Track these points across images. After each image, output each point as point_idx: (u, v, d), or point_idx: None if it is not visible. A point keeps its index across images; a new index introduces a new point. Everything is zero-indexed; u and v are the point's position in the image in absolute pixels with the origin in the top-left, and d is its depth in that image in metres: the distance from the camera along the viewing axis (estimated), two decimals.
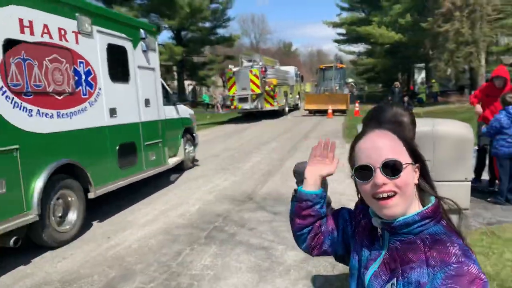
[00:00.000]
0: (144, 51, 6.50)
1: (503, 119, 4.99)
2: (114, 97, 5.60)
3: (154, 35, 6.99)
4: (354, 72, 53.86)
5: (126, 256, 4.27)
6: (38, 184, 4.19)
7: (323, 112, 21.29)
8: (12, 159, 3.96)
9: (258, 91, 19.34)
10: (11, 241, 3.93)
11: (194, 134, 9.05)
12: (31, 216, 4.10)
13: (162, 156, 7.05)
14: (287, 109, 23.41)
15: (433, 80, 27.20)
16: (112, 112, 5.54)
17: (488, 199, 5.32)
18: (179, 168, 8.40)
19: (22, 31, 4.12)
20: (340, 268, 3.73)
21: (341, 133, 13.63)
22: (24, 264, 4.17)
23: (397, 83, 24.63)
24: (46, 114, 4.40)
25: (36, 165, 4.23)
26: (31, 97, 4.20)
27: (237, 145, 12.28)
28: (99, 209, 5.89)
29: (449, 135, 2.23)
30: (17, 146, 4.00)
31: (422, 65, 32.17)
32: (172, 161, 7.63)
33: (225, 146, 12.19)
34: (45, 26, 4.42)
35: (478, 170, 5.94)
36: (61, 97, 4.62)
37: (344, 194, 6.08)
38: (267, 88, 19.58)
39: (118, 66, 5.83)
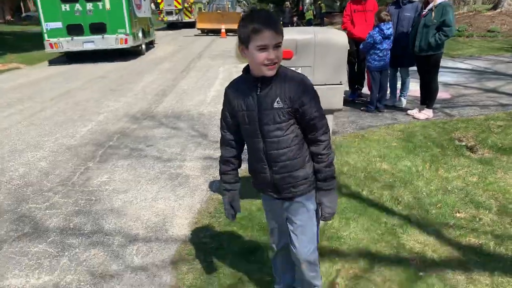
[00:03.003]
0: None
1: (376, 36, 5.55)
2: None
3: None
4: None
5: (13, 179, 4.04)
6: None
7: (216, 32, 20.90)
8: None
9: (179, 6, 25.86)
10: None
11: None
12: None
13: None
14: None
15: (320, 2, 28.11)
16: None
17: (362, 108, 6.07)
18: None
19: None
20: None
21: (234, 53, 13.69)
22: None
23: (287, 3, 24.91)
24: None
25: None
26: None
27: (125, 65, 11.62)
28: None
29: (327, 42, 2.48)
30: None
31: None
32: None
33: (114, 67, 11.45)
34: None
35: (357, 83, 6.63)
36: None
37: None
38: (186, 4, 26.27)
39: None
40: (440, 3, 4.99)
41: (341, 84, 2.57)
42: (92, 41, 12.20)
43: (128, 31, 12.29)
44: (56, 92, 8.20)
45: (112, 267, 2.64)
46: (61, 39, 12.08)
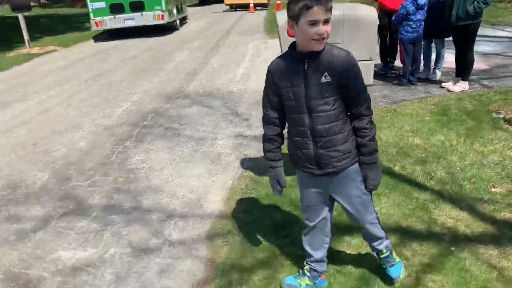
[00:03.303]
0: None
1: (409, 6, 5.34)
2: None
3: None
4: None
5: (57, 159, 4.28)
6: None
7: (245, 7, 20.66)
8: None
9: None
10: None
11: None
12: None
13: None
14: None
15: None
16: None
17: (394, 82, 5.93)
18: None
19: None
20: None
21: (263, 28, 13.55)
22: None
23: None
24: None
25: None
26: None
27: (157, 45, 11.77)
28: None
29: (356, 19, 2.45)
30: None
31: None
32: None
33: (145, 46, 11.63)
34: None
35: (389, 55, 6.47)
36: None
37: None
38: None
39: None
40: None
41: (371, 59, 2.55)
42: (132, 18, 13.13)
43: (164, 8, 13.10)
44: (90, 73, 8.46)
45: (151, 240, 2.80)
46: (105, 17, 13.03)
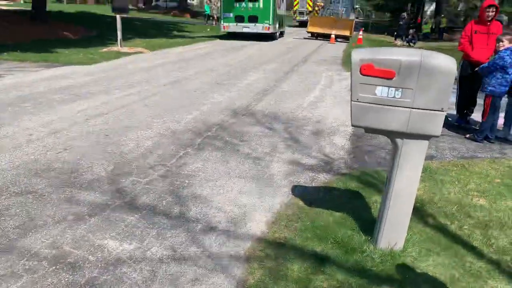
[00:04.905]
0: None
1: (507, 58, 5.07)
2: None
3: None
4: None
5: (123, 153, 4.58)
6: None
7: (326, 37, 20.84)
8: None
9: (310, 8, 32.44)
10: None
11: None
12: None
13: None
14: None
15: (442, 15, 26.31)
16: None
17: (467, 136, 5.63)
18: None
19: None
20: (318, 182, 4.10)
21: (341, 60, 13.55)
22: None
23: (404, 14, 23.80)
24: None
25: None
26: None
27: (234, 62, 12.22)
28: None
29: (433, 67, 2.39)
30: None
31: None
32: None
33: (223, 61, 12.13)
34: None
35: (466, 108, 6.16)
36: None
37: (337, 118, 6.35)
38: (316, 8, 31.55)
39: None
40: None
41: (442, 110, 2.47)
42: (248, 27, 19.80)
43: (271, 22, 19.55)
44: (169, 79, 8.99)
45: (191, 248, 2.88)
46: (230, 24, 19.96)
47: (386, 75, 2.47)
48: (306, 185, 4.01)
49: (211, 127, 5.69)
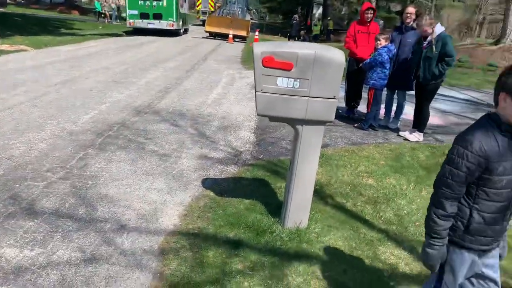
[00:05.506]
0: None
1: (384, 55, 5.74)
2: None
3: None
4: (257, 0, 53.21)
5: (14, 157, 4.18)
6: None
7: (224, 36, 21.16)
8: None
9: (212, 9, 32.45)
10: None
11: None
12: None
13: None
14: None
15: (329, 18, 28.50)
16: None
17: (355, 125, 6.27)
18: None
19: None
20: (228, 173, 4.23)
21: (240, 59, 13.91)
22: None
23: (296, 16, 25.23)
24: None
25: None
26: None
27: (132, 60, 11.79)
28: None
29: (326, 59, 2.66)
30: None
31: (321, 1, 33.19)
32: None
33: (119, 59, 11.62)
34: None
35: (353, 100, 6.83)
36: None
37: (241, 114, 6.53)
38: (217, 8, 30.67)
39: None
40: (439, 35, 5.21)
41: (334, 98, 2.75)
42: (153, 23, 20.65)
43: (175, 19, 20.84)
44: (60, 77, 8.35)
45: (102, 247, 2.79)
46: (136, 20, 20.59)
47: (285, 66, 2.68)
48: (216, 177, 4.11)
49: (112, 126, 5.47)
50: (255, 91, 2.74)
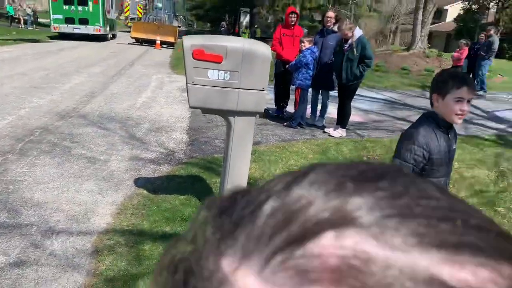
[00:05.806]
0: None
1: (308, 56, 6.05)
2: None
3: None
4: (184, 7, 52.94)
5: None
6: None
7: (151, 43, 20.76)
8: None
9: (140, 15, 31.55)
10: None
11: None
12: None
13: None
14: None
15: (256, 26, 29.24)
16: None
17: (284, 124, 6.53)
18: None
19: None
20: (161, 172, 4.20)
21: (169, 64, 13.76)
22: None
23: (224, 24, 25.56)
24: None
25: None
26: None
27: (52, 66, 11.15)
28: None
29: (253, 52, 2.80)
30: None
31: (247, 9, 33.90)
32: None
33: (37, 65, 10.93)
34: None
35: (282, 101, 7.11)
36: None
37: (172, 116, 6.50)
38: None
39: None
40: (358, 38, 5.63)
41: (263, 90, 2.89)
42: (79, 28, 20.22)
43: (101, 24, 20.49)
44: None
45: (29, 250, 2.65)
46: (60, 25, 19.98)
47: (215, 59, 2.77)
48: (149, 176, 4.07)
49: (33, 131, 5.15)
50: (187, 83, 2.79)
